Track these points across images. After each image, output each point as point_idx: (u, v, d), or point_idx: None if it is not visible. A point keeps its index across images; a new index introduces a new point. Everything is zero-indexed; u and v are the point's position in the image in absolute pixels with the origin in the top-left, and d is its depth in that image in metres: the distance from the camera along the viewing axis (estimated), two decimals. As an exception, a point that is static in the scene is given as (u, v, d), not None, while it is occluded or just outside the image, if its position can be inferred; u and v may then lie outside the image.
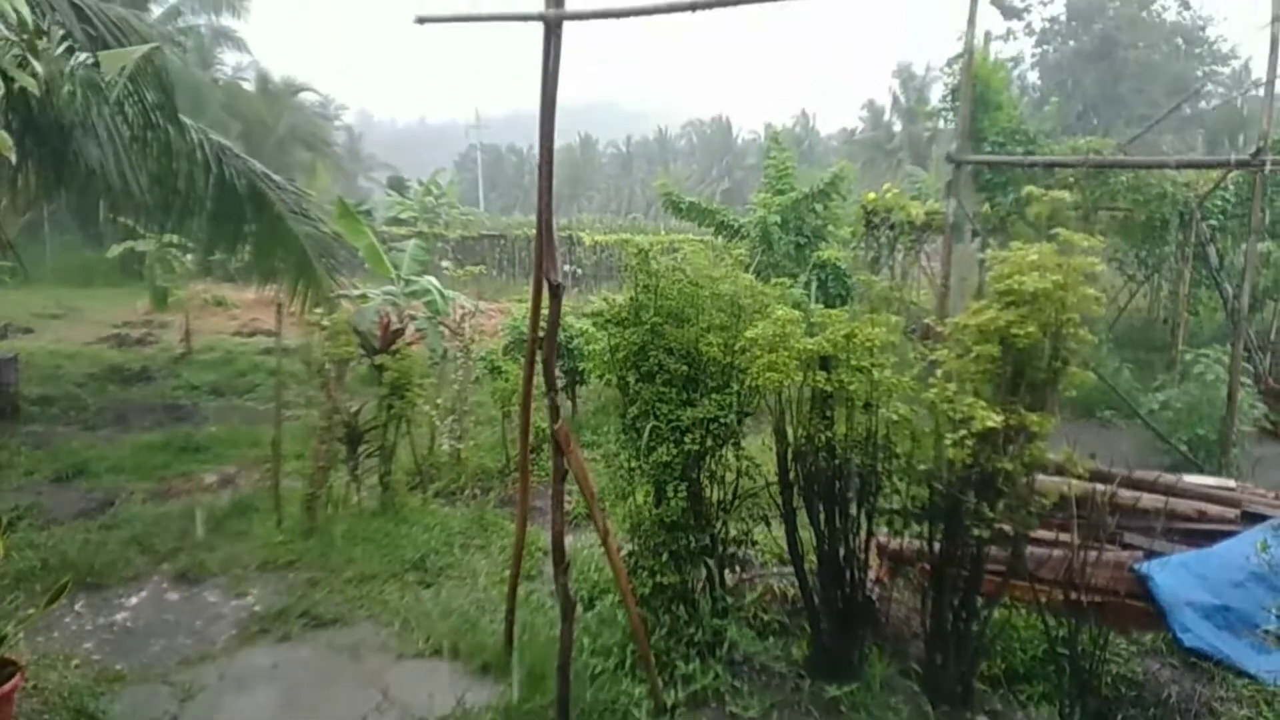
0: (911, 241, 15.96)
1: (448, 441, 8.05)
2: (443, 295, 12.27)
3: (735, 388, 4.56)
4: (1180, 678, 4.48)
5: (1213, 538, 5.40)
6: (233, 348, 15.55)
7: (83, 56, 7.64)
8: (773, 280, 13.20)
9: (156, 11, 25.80)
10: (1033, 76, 45.68)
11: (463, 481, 7.74)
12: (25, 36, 4.04)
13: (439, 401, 8.02)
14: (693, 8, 2.57)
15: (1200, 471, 8.15)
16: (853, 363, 4.21)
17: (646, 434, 4.42)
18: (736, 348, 4.47)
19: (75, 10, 8.09)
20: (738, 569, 5.12)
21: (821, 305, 12.69)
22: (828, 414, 4.33)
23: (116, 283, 23.25)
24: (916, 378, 4.40)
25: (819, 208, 14.99)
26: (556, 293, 3.21)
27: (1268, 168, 7.63)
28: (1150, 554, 5.19)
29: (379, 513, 6.76)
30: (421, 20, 3.02)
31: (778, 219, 14.58)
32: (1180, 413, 8.85)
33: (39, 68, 4.06)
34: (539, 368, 3.62)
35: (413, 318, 12.33)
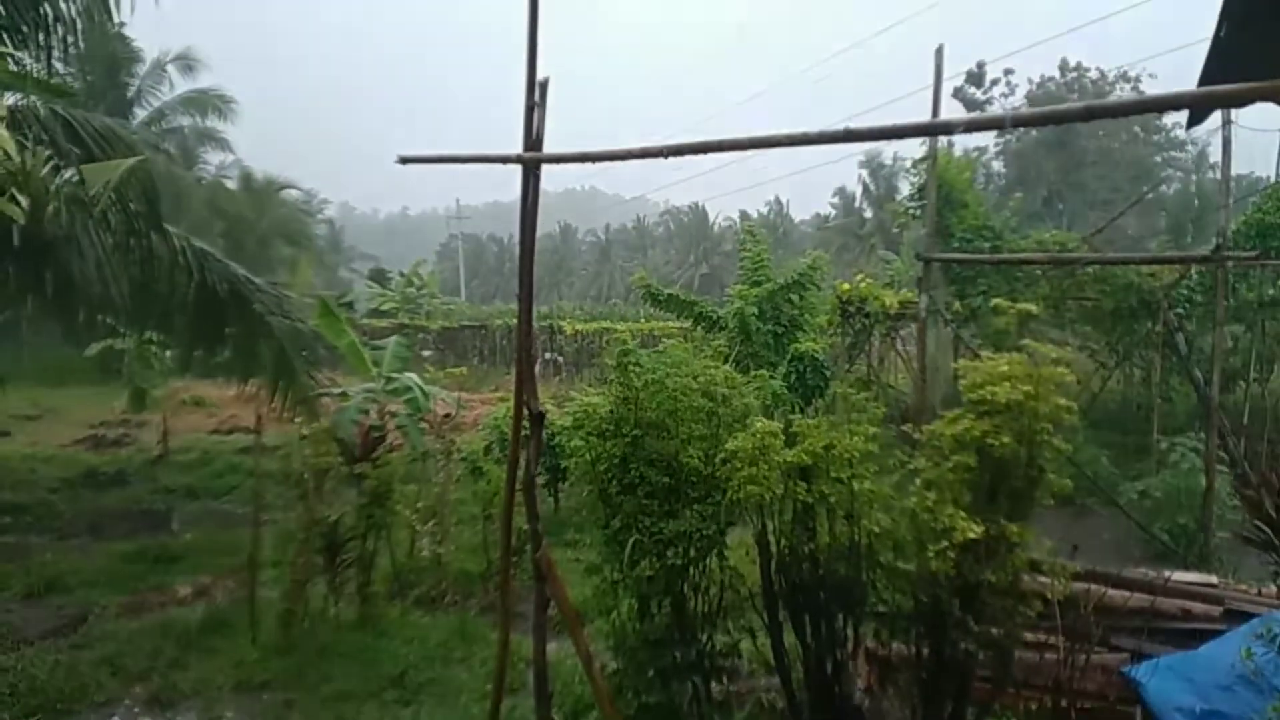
0: (886, 329, 16.27)
1: (428, 546, 7.93)
2: (424, 393, 12.26)
3: (718, 498, 4.57)
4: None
5: (1198, 637, 5.37)
6: (210, 447, 15.38)
7: (68, 174, 7.79)
8: (752, 371, 13.36)
9: (141, 114, 26.30)
10: (997, 165, 47.31)
11: (443, 587, 7.61)
12: (11, 169, 4.14)
13: (419, 505, 7.94)
14: (664, 154, 2.69)
15: (1183, 561, 8.19)
16: (832, 474, 4.23)
17: (629, 548, 4.40)
18: (718, 459, 4.49)
19: (65, 126, 8.29)
20: (725, 681, 5.03)
21: (800, 396, 12.83)
22: (810, 524, 4.34)
23: (95, 381, 23.00)
24: (897, 485, 4.44)
25: (795, 298, 15.24)
26: (538, 421, 3.25)
27: (1229, 264, 7.89)
28: (1138, 656, 5.15)
29: (357, 625, 6.62)
30: (404, 160, 3.12)
31: (755, 310, 14.79)
32: (1159, 501, 8.91)
33: (23, 200, 4.13)
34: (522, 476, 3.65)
35: (393, 415, 12.29)
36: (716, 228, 76.19)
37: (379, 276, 43.63)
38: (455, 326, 32.65)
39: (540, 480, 10.13)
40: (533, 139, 3.01)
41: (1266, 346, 12.31)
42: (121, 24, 18.08)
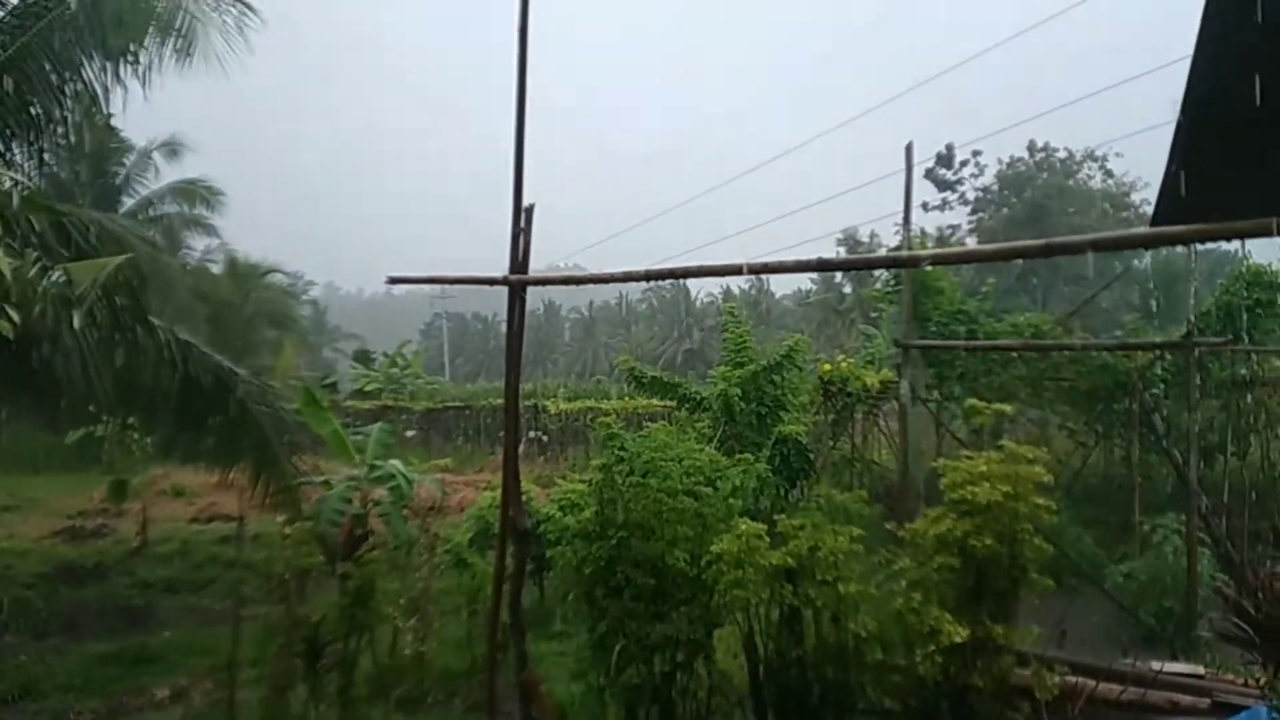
0: (869, 408, 16.41)
1: (411, 643, 7.79)
2: (407, 480, 12.19)
3: (704, 600, 4.57)
4: None
5: (1190, 731, 5.35)
6: (190, 537, 15.13)
7: (56, 274, 7.87)
8: (737, 452, 13.37)
9: (128, 203, 26.58)
10: (970, 242, 48.33)
11: (426, 687, 7.44)
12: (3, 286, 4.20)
13: (401, 601, 7.82)
14: (646, 278, 2.80)
15: (1170, 646, 8.16)
16: (818, 576, 4.26)
17: (616, 654, 4.37)
18: (703, 561, 4.51)
19: (54, 225, 8.41)
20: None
21: (785, 479, 12.84)
22: (797, 626, 4.35)
23: (73, 467, 22.75)
24: (882, 584, 4.47)
25: (777, 378, 15.38)
26: (524, 538, 3.28)
27: (1196, 351, 8.08)
28: (1129, 753, 5.12)
29: (338, 731, 6.45)
30: (393, 281, 3.22)
31: (738, 391, 14.89)
32: (1144, 585, 8.92)
33: (14, 314, 4.19)
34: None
35: (377, 504, 12.18)
36: (699, 303, 77.05)
37: (363, 357, 43.64)
38: (439, 407, 32.53)
39: (529, 570, 10.08)
40: (519, 262, 3.12)
41: (1241, 425, 12.46)
42: (110, 115, 18.44)
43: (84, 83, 9.71)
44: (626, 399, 27.61)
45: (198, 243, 30.97)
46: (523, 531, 3.30)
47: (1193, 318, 8.31)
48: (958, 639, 3.90)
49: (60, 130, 10.88)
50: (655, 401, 21.82)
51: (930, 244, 40.57)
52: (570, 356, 79.21)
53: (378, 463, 12.54)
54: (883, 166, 10.18)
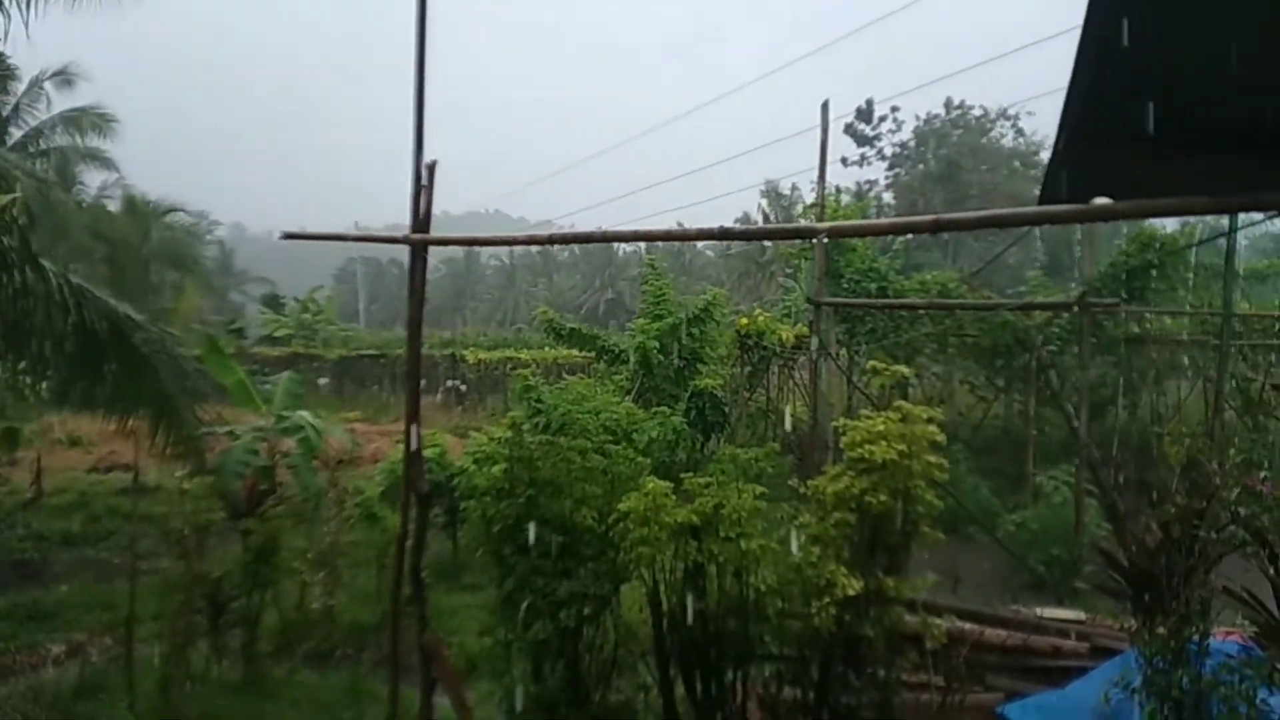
0: (784, 361, 16.75)
1: (319, 598, 7.71)
2: (317, 431, 11.94)
3: (612, 556, 4.63)
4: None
5: (1068, 673, 5.71)
6: (87, 488, 14.53)
7: (-67, 212, 7.34)
8: (655, 405, 13.48)
9: (16, 135, 24.88)
10: (887, 197, 49.28)
11: (334, 641, 7.39)
12: None
13: (309, 555, 7.71)
14: (550, 241, 2.76)
15: (1057, 592, 8.67)
16: (722, 533, 4.35)
17: (522, 610, 4.40)
18: (611, 519, 4.55)
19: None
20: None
21: (700, 431, 13.05)
22: (700, 582, 4.45)
23: (-41, 415, 21.52)
24: (784, 539, 4.60)
25: (696, 331, 15.52)
26: (425, 502, 3.25)
27: (1089, 311, 8.46)
28: (1012, 695, 5.44)
29: (242, 688, 6.36)
30: (289, 236, 3.10)
31: (656, 344, 14.98)
32: (1035, 533, 9.41)
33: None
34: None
35: (285, 455, 11.91)
36: (622, 254, 76.81)
37: (272, 302, 42.20)
38: (353, 355, 31.78)
39: (441, 522, 10.04)
40: (420, 220, 3.03)
41: (1132, 381, 13.15)
42: (-6, 41, 17.10)
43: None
44: (547, 349, 27.52)
45: (94, 178, 29.25)
46: (423, 495, 3.28)
47: (1076, 279, 8.64)
48: (852, 591, 4.05)
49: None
50: (575, 352, 21.83)
51: (847, 199, 41.23)
52: (491, 304, 78.22)
53: (286, 413, 12.24)
54: (811, 118, 10.18)
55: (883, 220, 3.43)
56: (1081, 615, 6.65)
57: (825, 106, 8.75)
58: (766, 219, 58.31)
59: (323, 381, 30.64)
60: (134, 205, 29.58)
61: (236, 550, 6.96)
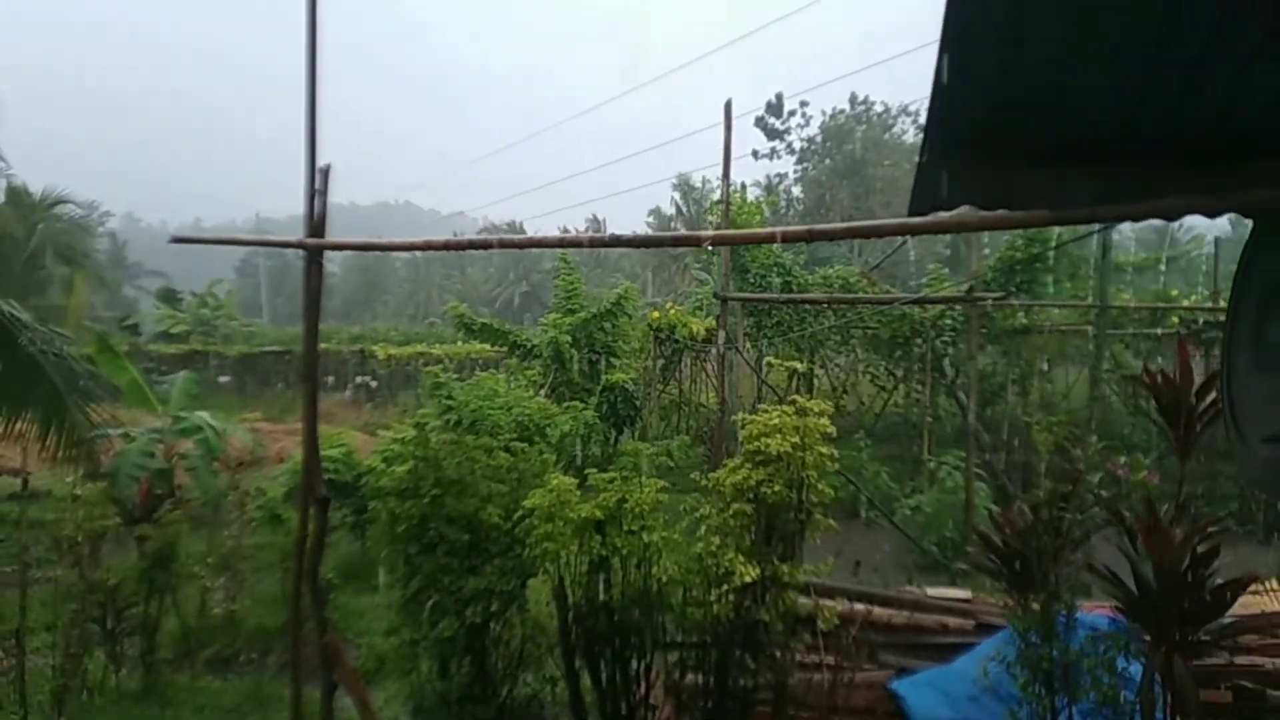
0: (696, 353, 17.03)
1: (221, 602, 7.53)
2: (216, 432, 11.61)
3: (518, 552, 4.69)
4: (930, 790, 4.94)
5: (955, 649, 6.05)
6: (-31, 494, 13.73)
7: None
8: (567, 399, 13.53)
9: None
10: (796, 191, 50.37)
11: (237, 647, 7.24)
12: None
13: (209, 560, 7.53)
14: (445, 247, 2.80)
15: (950, 573, 9.11)
16: (625, 527, 4.47)
17: (428, 609, 4.44)
18: (516, 515, 4.62)
19: None
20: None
21: (612, 425, 13.18)
22: (605, 574, 4.56)
23: None
24: (688, 530, 4.75)
25: (607, 325, 15.65)
26: (323, 506, 3.26)
27: (983, 304, 8.90)
28: (902, 671, 5.74)
29: (141, 696, 6.19)
30: (177, 240, 3.06)
31: (569, 338, 15.05)
32: (929, 516, 9.86)
33: None
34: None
35: (183, 457, 11.54)
36: (535, 245, 76.19)
37: (169, 297, 40.41)
38: (256, 352, 30.75)
39: (349, 523, 9.90)
40: (315, 223, 3.04)
41: (1021, 369, 13.84)
42: None
43: None
44: (460, 344, 27.19)
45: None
46: (322, 499, 3.28)
47: (978, 273, 9.09)
48: (749, 579, 4.23)
49: None
50: (488, 347, 21.70)
51: (757, 193, 41.83)
52: (402, 299, 76.73)
53: (183, 413, 11.87)
54: (710, 116, 10.35)
55: (761, 230, 3.58)
56: (968, 594, 7.03)
57: (729, 106, 8.94)
58: (680, 212, 58.84)
59: (224, 380, 29.56)
60: (18, 196, 27.96)
61: (132, 556, 6.74)
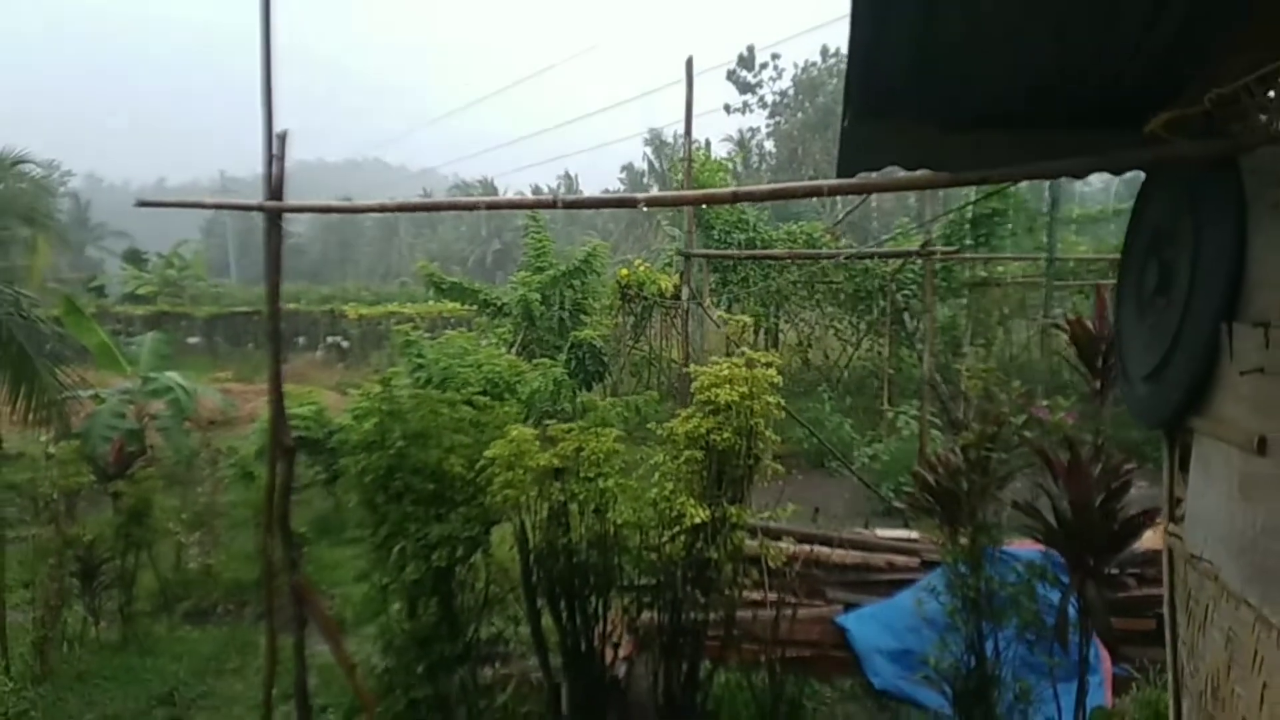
0: (666, 310, 17.24)
1: (196, 557, 7.74)
2: (187, 392, 11.69)
3: (482, 500, 4.92)
4: (874, 718, 5.31)
5: (902, 586, 6.40)
6: (-63, 458, 13.76)
7: None
8: (538, 356, 13.71)
9: None
10: (769, 145, 50.26)
11: (215, 599, 7.47)
12: None
13: (183, 517, 7.71)
14: (399, 209, 2.97)
15: (904, 517, 9.48)
16: (582, 474, 4.70)
17: (395, 553, 4.66)
18: (478, 465, 4.84)
19: None
20: (496, 666, 5.45)
21: (581, 382, 13.39)
22: (564, 520, 4.80)
23: None
24: (643, 477, 5.00)
25: (577, 283, 15.77)
26: (289, 455, 3.45)
27: (935, 258, 9.15)
28: (849, 607, 6.09)
29: (120, 647, 6.41)
30: (142, 204, 3.20)
31: (538, 296, 15.17)
32: (887, 464, 10.22)
33: None
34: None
35: (154, 418, 11.64)
36: (507, 202, 75.50)
37: (134, 257, 39.87)
38: (225, 312, 30.56)
39: (322, 479, 10.09)
40: (274, 187, 3.18)
41: (979, 320, 14.22)
42: None
43: None
44: (431, 303, 27.18)
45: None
46: (288, 449, 3.47)
47: (931, 228, 9.33)
48: (699, 520, 4.49)
49: None
50: (460, 306, 21.77)
51: (728, 149, 41.67)
52: (373, 258, 76.03)
53: (153, 374, 11.93)
54: (698, 62, 10.31)
55: (689, 192, 3.74)
56: (916, 535, 7.40)
57: (689, 63, 9.02)
58: (652, 168, 58.60)
59: (193, 340, 29.42)
60: (-29, 156, 27.34)
61: (108, 513, 6.91)
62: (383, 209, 3.02)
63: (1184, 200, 2.38)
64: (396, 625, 4.80)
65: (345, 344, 28.06)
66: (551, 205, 2.79)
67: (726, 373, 4.82)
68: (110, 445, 7.75)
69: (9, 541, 7.23)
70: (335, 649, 3.84)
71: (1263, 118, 2.09)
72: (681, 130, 9.17)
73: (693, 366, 5.12)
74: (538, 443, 4.84)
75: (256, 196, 3.28)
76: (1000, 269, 14.28)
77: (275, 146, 3.14)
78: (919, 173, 2.74)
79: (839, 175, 3.15)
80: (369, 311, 27.82)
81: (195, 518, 7.90)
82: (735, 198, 2.63)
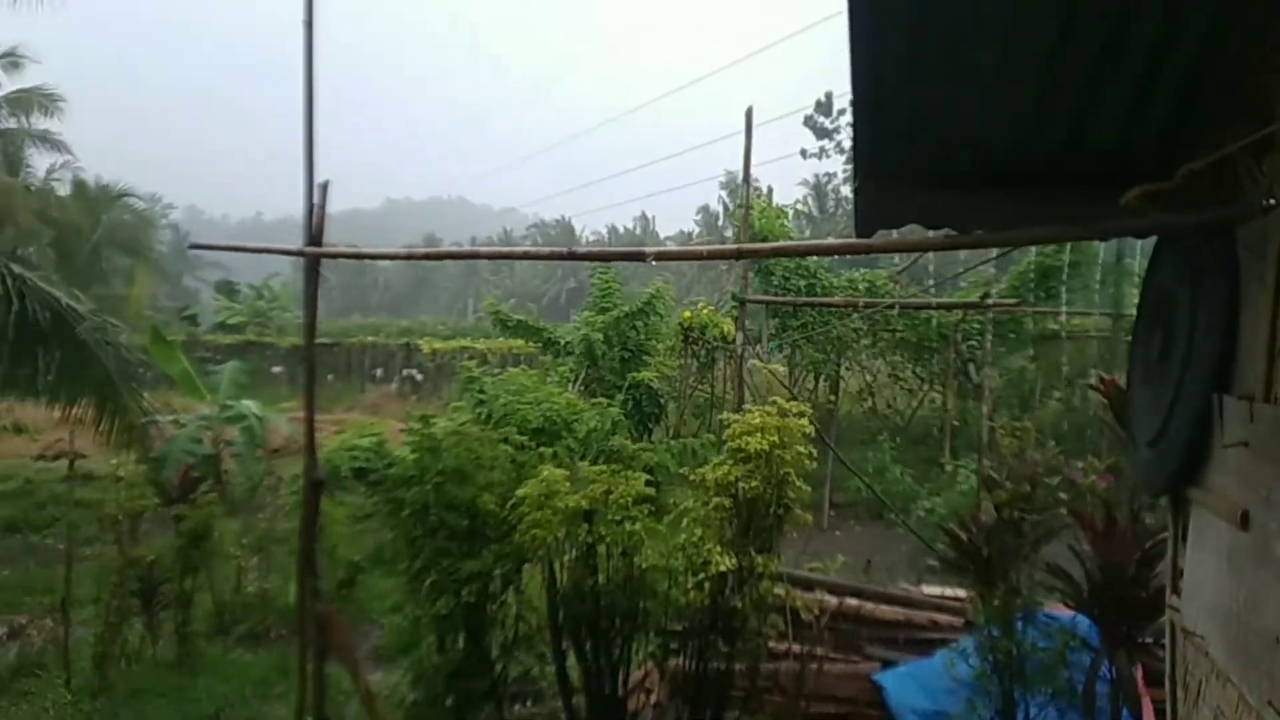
0: (729, 354, 17.22)
1: (254, 581, 8.02)
2: (260, 420, 12.20)
3: (515, 538, 5.02)
4: (902, 778, 5.16)
5: (944, 645, 6.23)
6: (34, 475, 14.62)
7: None
8: (599, 395, 13.83)
9: (-41, 118, 24.51)
10: (845, 190, 49.98)
11: (269, 623, 7.72)
12: None
13: (244, 541, 8.02)
14: (425, 258, 3.12)
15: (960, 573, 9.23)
16: (610, 517, 4.77)
17: (427, 587, 4.79)
18: (510, 503, 4.95)
19: None
20: (527, 705, 5.52)
21: (637, 422, 13.48)
22: (592, 561, 4.86)
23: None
24: (673, 523, 5.03)
25: (639, 324, 15.92)
26: (316, 489, 3.61)
27: (992, 310, 9.01)
28: (887, 664, 5.95)
29: (175, 666, 6.68)
30: (193, 247, 3.44)
31: (600, 336, 15.36)
32: (944, 518, 9.97)
33: None
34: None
35: (229, 444, 12.16)
36: (584, 242, 76.95)
37: (226, 289, 41.84)
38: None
39: (383, 510, 10.37)
40: (314, 234, 3.39)
41: (1046, 376, 13.81)
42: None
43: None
44: (502, 339, 27.75)
45: (43, 160, 28.79)
46: (315, 482, 3.64)
47: (993, 280, 9.18)
48: (724, 568, 4.50)
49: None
50: (525, 344, 22.16)
51: (806, 195, 41.58)
52: (452, 293, 77.99)
53: (230, 402, 12.49)
54: (782, 106, 10.41)
55: (695, 246, 3.82)
56: (962, 592, 7.20)
57: (749, 114, 9.15)
58: (727, 210, 58.84)
59: (276, 370, 30.56)
60: (83, 190, 29.26)
61: (171, 536, 7.24)
62: (409, 255, 3.19)
63: (1185, 269, 2.37)
64: (426, 658, 4.92)
65: (419, 377, 28.79)
66: (560, 257, 2.90)
67: (758, 421, 4.84)
68: (176, 469, 8.14)
69: (82, 559, 7.64)
70: (354, 678, 3.97)
71: (1252, 190, 2.08)
72: (760, 173, 9.29)
73: (726, 414, 5.16)
74: (568, 484, 4.93)
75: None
76: (1075, 321, 13.90)
77: (316, 196, 3.36)
78: (932, 234, 2.77)
79: (858, 234, 3.19)
80: (442, 346, 28.54)
81: (255, 542, 8.20)
82: (739, 254, 2.70)
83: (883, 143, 2.80)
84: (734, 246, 2.52)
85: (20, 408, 19.43)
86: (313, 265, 3.42)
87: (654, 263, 2.70)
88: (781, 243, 3.00)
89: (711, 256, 2.85)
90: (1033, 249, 13.42)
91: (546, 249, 3.01)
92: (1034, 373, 14.59)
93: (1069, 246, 11.88)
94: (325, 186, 3.38)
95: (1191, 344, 2.24)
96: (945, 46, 2.35)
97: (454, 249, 3.36)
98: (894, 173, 2.95)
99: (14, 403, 19.23)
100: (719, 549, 4.59)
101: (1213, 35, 2.18)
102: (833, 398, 14.04)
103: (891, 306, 10.79)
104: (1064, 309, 11.58)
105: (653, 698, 5.65)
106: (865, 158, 2.86)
